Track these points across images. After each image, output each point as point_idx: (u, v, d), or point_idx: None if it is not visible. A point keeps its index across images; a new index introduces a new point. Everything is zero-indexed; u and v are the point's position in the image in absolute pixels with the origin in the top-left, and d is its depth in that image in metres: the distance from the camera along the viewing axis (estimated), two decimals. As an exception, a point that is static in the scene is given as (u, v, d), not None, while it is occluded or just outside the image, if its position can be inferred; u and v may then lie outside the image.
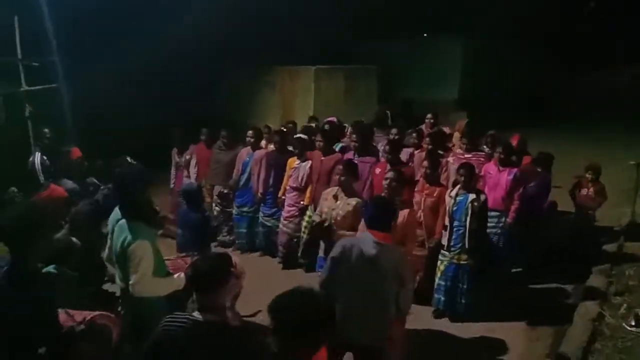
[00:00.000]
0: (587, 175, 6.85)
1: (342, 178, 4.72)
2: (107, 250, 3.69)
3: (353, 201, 4.60)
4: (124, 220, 3.37)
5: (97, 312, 3.39)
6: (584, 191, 6.88)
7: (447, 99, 15.27)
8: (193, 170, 7.01)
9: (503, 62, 16.51)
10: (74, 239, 4.67)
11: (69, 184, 5.57)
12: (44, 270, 4.24)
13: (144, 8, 9.76)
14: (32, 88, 8.09)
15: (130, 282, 3.25)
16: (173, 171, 7.34)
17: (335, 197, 4.73)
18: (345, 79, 12.46)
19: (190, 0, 10.81)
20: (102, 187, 5.61)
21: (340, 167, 4.80)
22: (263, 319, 3.43)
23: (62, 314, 3.15)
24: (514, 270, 6.23)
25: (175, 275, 3.47)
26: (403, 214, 4.25)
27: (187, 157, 7.07)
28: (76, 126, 8.61)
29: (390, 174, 4.53)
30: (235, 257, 2.56)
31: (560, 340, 4.90)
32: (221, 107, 12.14)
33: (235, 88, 12.52)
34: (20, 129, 7.94)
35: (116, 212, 3.54)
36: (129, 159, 6.02)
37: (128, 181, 3.51)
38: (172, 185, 7.42)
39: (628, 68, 18.94)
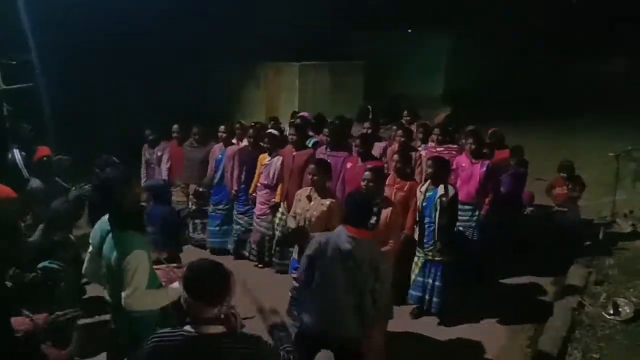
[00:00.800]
0: (562, 175, 6.82)
1: (315, 177, 4.57)
2: (87, 263, 3.44)
3: (327, 201, 4.47)
4: (114, 233, 3.16)
5: (58, 312, 3.31)
6: (559, 189, 6.83)
7: (433, 94, 15.35)
8: (165, 166, 6.92)
9: (490, 56, 16.61)
10: (71, 236, 4.64)
11: (36, 182, 5.40)
12: (40, 265, 4.20)
13: (127, 5, 9.65)
14: (9, 87, 8.01)
15: (123, 295, 3.07)
16: (143, 169, 7.21)
17: (309, 198, 4.58)
18: (331, 75, 12.47)
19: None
20: (73, 188, 5.46)
21: (313, 166, 4.66)
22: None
23: (19, 318, 3.08)
24: (491, 263, 6.16)
25: (170, 286, 3.27)
26: (386, 212, 4.16)
27: (159, 153, 6.97)
28: (57, 125, 8.52)
29: (367, 174, 4.37)
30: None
31: (541, 331, 4.94)
32: (206, 104, 12.08)
33: (221, 84, 12.48)
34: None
35: (103, 223, 3.30)
36: (114, 159, 5.78)
37: (114, 188, 3.26)
38: (143, 184, 7.23)
39: (620, 60, 19.09)
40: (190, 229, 6.93)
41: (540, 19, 17.20)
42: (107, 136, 8.41)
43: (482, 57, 16.44)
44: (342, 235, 3.36)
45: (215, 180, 6.56)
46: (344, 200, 3.69)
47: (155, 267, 3.30)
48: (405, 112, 7.51)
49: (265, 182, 6.01)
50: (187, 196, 6.86)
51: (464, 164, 5.85)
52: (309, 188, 4.66)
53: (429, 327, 5.13)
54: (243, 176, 6.28)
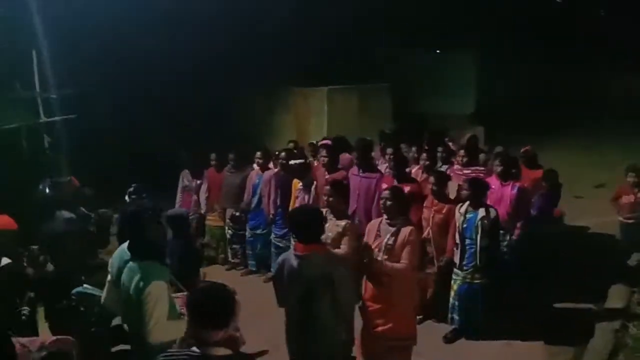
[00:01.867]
0: (629, 179, 6.33)
1: (331, 199, 4.49)
2: (105, 292, 3.42)
3: (342, 222, 4.37)
4: (133, 262, 3.14)
5: (53, 337, 3.23)
6: (626, 198, 6.35)
7: (463, 112, 15.26)
8: (203, 195, 7.01)
9: (521, 71, 16.48)
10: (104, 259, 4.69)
11: (65, 214, 5.30)
12: (75, 290, 4.13)
13: (158, 33, 10.03)
14: (50, 119, 8.42)
15: (147, 328, 3.02)
16: (179, 195, 7.25)
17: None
18: (359, 98, 12.50)
19: (204, 23, 11.08)
20: (93, 215, 5.54)
21: (328, 187, 4.59)
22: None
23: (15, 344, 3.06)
24: (527, 285, 6.01)
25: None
26: (405, 231, 4.03)
27: (198, 181, 7.06)
28: (92, 155, 8.86)
29: (385, 193, 4.27)
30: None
31: (582, 353, 4.78)
32: (236, 130, 12.34)
33: (250, 111, 12.75)
34: (40, 160, 8.22)
35: (122, 251, 3.29)
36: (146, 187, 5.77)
37: (137, 217, 3.24)
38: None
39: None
40: (230, 255, 7.01)
41: (569, 31, 17.01)
42: (136, 163, 8.69)
43: (512, 73, 16.33)
44: (291, 255, 3.39)
45: (253, 205, 6.65)
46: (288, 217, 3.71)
47: (174, 295, 3.28)
48: (427, 135, 7.47)
49: (301, 207, 6.06)
50: (223, 220, 6.95)
51: (493, 186, 5.72)
52: (325, 209, 4.58)
53: (466, 347, 5.02)
54: (279, 200, 6.34)
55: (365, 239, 4.20)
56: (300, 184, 6.05)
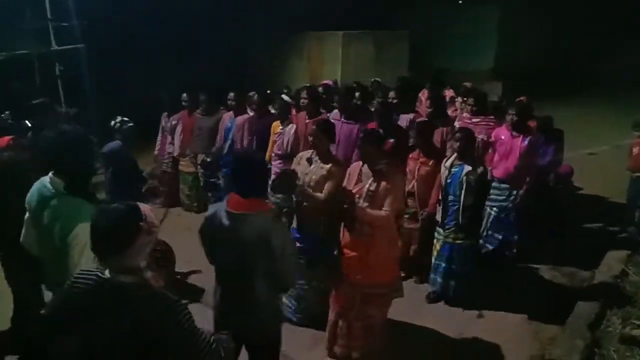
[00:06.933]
0: (635, 132, 5.78)
1: (316, 140, 3.99)
2: (25, 230, 2.92)
3: (327, 166, 3.93)
4: (58, 199, 2.67)
5: None
6: (636, 150, 5.79)
7: (482, 68, 14.89)
8: (178, 137, 6.55)
9: (543, 28, 15.97)
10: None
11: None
12: None
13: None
14: (61, 48, 8.36)
15: (69, 275, 2.49)
16: (159, 136, 6.92)
17: (309, 161, 4.04)
18: (375, 45, 12.01)
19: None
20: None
21: (314, 127, 4.03)
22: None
23: None
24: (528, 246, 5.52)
25: None
26: (384, 184, 3.63)
27: (173, 122, 6.61)
28: (99, 88, 8.83)
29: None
30: (146, 208, 2.10)
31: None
32: (249, 74, 12.20)
33: (264, 54, 12.54)
34: (51, 88, 8.24)
35: (41, 186, 2.78)
36: (126, 119, 5.24)
37: (72, 148, 2.77)
38: (156, 152, 7.00)
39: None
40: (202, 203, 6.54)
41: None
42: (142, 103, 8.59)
43: (534, 29, 15.78)
44: (222, 209, 2.72)
45: (225, 150, 6.07)
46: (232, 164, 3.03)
47: None
48: (427, 87, 6.84)
49: (279, 152, 5.38)
50: (195, 166, 6.49)
51: (503, 137, 5.09)
52: (311, 151, 4.11)
53: (446, 310, 4.60)
54: (254, 146, 5.76)
55: (345, 184, 3.75)
56: (280, 127, 5.49)
